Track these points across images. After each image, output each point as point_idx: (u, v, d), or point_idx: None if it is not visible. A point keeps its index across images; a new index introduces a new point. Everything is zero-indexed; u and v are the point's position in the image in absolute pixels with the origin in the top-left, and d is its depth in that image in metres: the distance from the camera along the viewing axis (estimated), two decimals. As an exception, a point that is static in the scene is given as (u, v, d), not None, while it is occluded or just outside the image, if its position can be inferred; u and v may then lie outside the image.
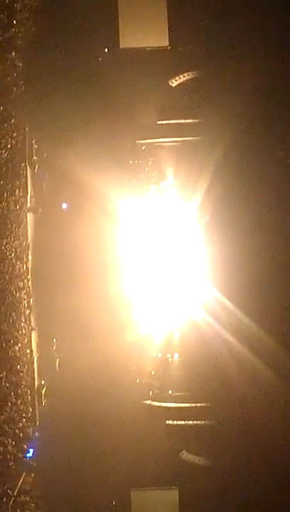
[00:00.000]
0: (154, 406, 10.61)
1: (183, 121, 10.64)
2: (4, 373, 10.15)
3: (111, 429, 10.24)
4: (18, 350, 10.37)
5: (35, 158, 10.76)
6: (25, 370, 10.43)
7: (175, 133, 10.69)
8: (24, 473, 10.35)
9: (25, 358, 10.44)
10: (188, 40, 10.64)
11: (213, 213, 10.42)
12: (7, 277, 10.29)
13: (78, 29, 10.66)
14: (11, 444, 10.25)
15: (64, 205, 10.79)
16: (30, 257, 10.59)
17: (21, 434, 10.36)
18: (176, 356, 10.76)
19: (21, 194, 10.60)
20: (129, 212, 10.68)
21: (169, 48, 10.68)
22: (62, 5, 10.69)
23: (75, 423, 10.36)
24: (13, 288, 10.37)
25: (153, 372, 10.75)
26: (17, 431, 10.32)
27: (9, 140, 10.47)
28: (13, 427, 10.26)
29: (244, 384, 10.34)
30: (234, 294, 10.30)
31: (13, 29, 10.53)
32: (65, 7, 10.71)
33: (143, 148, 10.78)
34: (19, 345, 10.40)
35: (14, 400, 10.28)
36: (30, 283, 10.56)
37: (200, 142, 10.54)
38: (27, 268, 10.54)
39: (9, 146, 10.44)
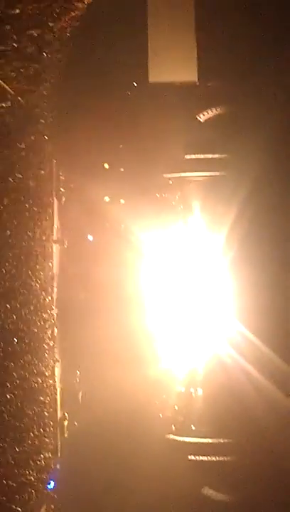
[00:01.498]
0: (177, 441, 10.53)
1: (210, 156, 10.64)
2: (27, 405, 10.17)
3: (133, 463, 10.20)
4: (42, 381, 10.38)
5: (62, 189, 10.78)
6: (48, 402, 10.43)
7: (203, 167, 10.72)
8: (45, 505, 10.29)
9: (48, 390, 10.44)
10: (216, 75, 10.70)
11: (239, 248, 10.41)
12: (32, 308, 10.33)
13: (107, 63, 10.72)
14: (33, 475, 10.23)
15: (90, 238, 10.80)
16: (55, 289, 10.57)
17: (43, 466, 10.34)
18: (200, 391, 10.70)
19: (48, 225, 10.65)
20: (154, 246, 10.67)
21: (198, 83, 10.67)
22: (92, 38, 10.78)
23: (97, 456, 10.33)
24: (37, 319, 10.40)
25: (176, 407, 10.68)
26: (38, 462, 10.31)
27: (37, 171, 10.56)
28: (34, 458, 10.26)
29: (267, 419, 10.26)
30: (260, 328, 10.28)
31: (44, 62, 10.62)
32: (94, 40, 10.79)
33: (171, 182, 10.78)
34: (43, 376, 10.41)
35: (36, 431, 10.29)
36: (54, 314, 10.54)
37: (227, 177, 10.55)
38: (52, 299, 10.57)
39: (37, 177, 10.49)
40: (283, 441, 10.11)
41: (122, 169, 10.77)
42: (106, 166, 10.79)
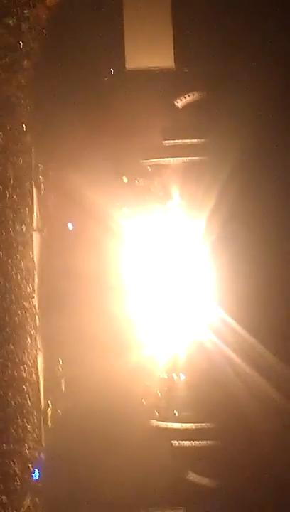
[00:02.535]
0: (160, 426, 10.54)
1: (188, 141, 10.61)
2: (10, 394, 10.21)
3: (117, 450, 10.22)
4: (24, 371, 10.39)
5: (40, 178, 10.74)
6: (31, 391, 10.45)
7: (181, 153, 10.70)
8: (29, 495, 10.29)
9: (31, 379, 10.45)
10: (193, 61, 10.71)
11: (219, 233, 10.42)
12: (13, 298, 10.35)
13: (84, 50, 10.73)
14: (17, 465, 10.23)
15: (70, 226, 10.77)
16: (36, 278, 10.54)
17: (27, 456, 10.33)
18: (182, 377, 10.71)
19: (27, 215, 10.63)
20: (134, 232, 10.67)
21: (175, 68, 10.65)
22: (68, 26, 10.75)
23: (81, 444, 10.32)
24: (18, 309, 10.42)
25: (158, 393, 10.67)
26: (23, 452, 10.30)
27: (15, 160, 10.52)
28: (18, 448, 10.25)
29: (249, 404, 10.30)
30: (240, 314, 10.30)
31: (20, 50, 10.57)
32: (70, 28, 10.76)
33: (149, 168, 10.75)
34: (25, 366, 10.44)
35: (20, 421, 10.30)
36: (36, 304, 10.54)
37: (206, 162, 10.55)
38: (33, 289, 10.57)
39: (15, 166, 10.46)
40: (265, 425, 10.11)
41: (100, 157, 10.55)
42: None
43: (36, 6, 10.64)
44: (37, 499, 10.34)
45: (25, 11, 10.60)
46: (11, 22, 10.57)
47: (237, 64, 10.56)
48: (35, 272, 10.64)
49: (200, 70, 10.73)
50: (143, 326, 10.77)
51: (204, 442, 10.39)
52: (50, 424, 10.59)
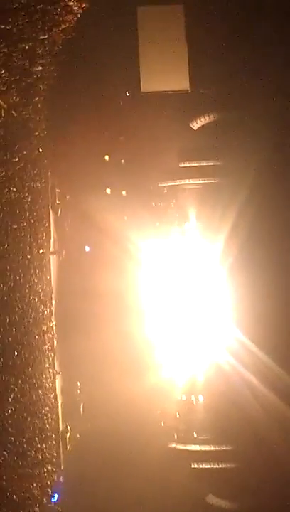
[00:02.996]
0: (179, 449, 10.52)
1: (204, 163, 10.64)
2: (29, 418, 10.18)
3: (136, 473, 10.20)
4: (42, 394, 10.38)
5: (57, 202, 10.79)
6: (49, 415, 10.43)
7: (198, 175, 10.72)
8: (49, 518, 10.29)
9: (49, 402, 10.44)
10: (209, 83, 10.72)
11: (237, 255, 10.41)
12: (31, 321, 10.35)
13: (99, 74, 10.75)
14: (36, 488, 10.22)
15: (87, 248, 10.81)
16: (53, 301, 10.57)
17: (46, 479, 10.32)
18: (201, 399, 10.70)
19: (44, 238, 10.68)
20: (151, 254, 10.69)
21: (190, 90, 10.70)
22: (84, 49, 10.79)
23: (100, 467, 10.31)
24: (36, 332, 10.43)
25: (177, 415, 10.67)
26: (41, 475, 10.30)
27: (32, 184, 10.58)
28: (37, 472, 10.25)
29: (268, 426, 10.26)
30: (259, 337, 10.27)
31: (36, 74, 10.63)
32: (86, 51, 10.80)
33: (166, 190, 10.80)
34: (43, 389, 10.42)
35: (38, 444, 10.28)
36: (53, 326, 10.56)
37: (223, 184, 10.57)
38: (50, 312, 10.58)
39: (32, 190, 10.51)
40: (284, 447, 10.09)
41: (117, 180, 10.59)
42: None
43: (52, 30, 10.65)
44: (56, 522, 10.26)
45: (40, 36, 10.59)
46: (26, 47, 10.57)
47: (253, 85, 10.53)
48: (53, 295, 10.61)
49: (215, 92, 10.75)
50: (161, 348, 10.76)
51: (223, 465, 10.33)
52: (68, 447, 10.53)
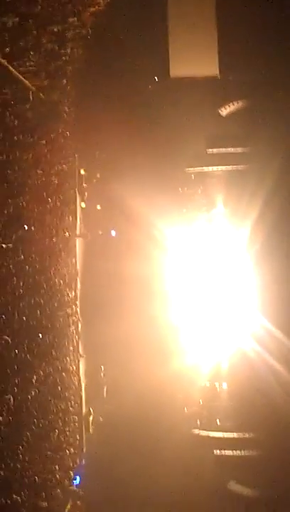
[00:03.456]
0: (202, 435, 10.50)
1: (232, 149, 10.58)
2: (52, 400, 10.17)
3: (159, 457, 10.18)
4: (66, 376, 10.39)
5: (84, 185, 10.76)
6: (72, 397, 10.45)
7: (225, 161, 10.67)
8: (71, 501, 10.28)
9: (73, 385, 10.46)
10: (237, 69, 10.65)
11: (263, 242, 10.36)
12: (56, 304, 10.33)
13: (128, 58, 10.69)
14: (58, 471, 10.22)
15: (113, 232, 10.78)
16: (78, 284, 10.55)
17: (68, 461, 10.33)
18: (224, 385, 10.67)
19: (70, 221, 10.65)
20: (178, 240, 10.66)
21: (219, 77, 10.64)
22: (113, 34, 10.76)
23: (122, 451, 10.30)
24: (61, 315, 10.40)
25: (201, 401, 10.65)
26: (64, 458, 10.30)
27: (59, 167, 10.55)
28: (60, 454, 10.26)
29: (292, 414, 10.22)
30: (284, 323, 10.22)
31: (64, 57, 10.60)
32: (115, 36, 10.76)
33: (193, 176, 10.75)
34: (67, 372, 10.42)
35: (62, 427, 10.29)
36: (78, 310, 10.54)
37: (249, 170, 10.52)
38: (75, 295, 10.58)
39: (59, 173, 10.48)
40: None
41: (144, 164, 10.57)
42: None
43: (81, 13, 10.61)
44: (78, 505, 10.25)
45: (69, 19, 10.56)
46: (56, 29, 10.54)
47: (281, 72, 10.47)
48: (78, 279, 10.58)
49: (244, 79, 10.71)
50: (186, 334, 10.73)
51: (246, 452, 10.28)
52: (91, 431, 10.53)
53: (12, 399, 9.55)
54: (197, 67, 10.73)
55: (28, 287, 9.85)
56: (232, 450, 10.42)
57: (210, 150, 10.72)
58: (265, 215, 10.32)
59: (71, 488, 10.36)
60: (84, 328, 10.60)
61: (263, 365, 10.32)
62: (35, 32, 10.34)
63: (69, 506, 10.28)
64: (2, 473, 9.47)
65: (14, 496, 9.43)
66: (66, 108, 10.64)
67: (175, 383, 10.49)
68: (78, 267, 10.59)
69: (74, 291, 10.51)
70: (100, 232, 10.80)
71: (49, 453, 10.08)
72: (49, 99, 10.53)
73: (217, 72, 10.70)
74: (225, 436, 10.51)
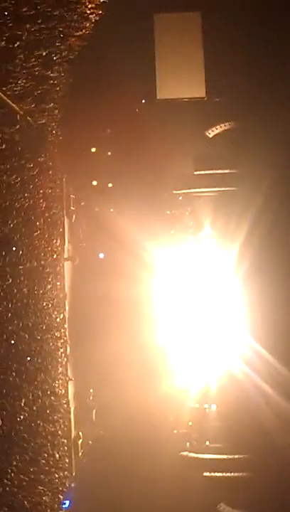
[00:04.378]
0: (192, 457, 10.47)
1: (219, 171, 10.63)
2: (41, 424, 10.15)
3: (148, 481, 10.13)
4: (55, 400, 10.37)
5: (72, 208, 10.79)
6: (61, 421, 10.41)
7: (212, 183, 10.71)
8: (60, 525, 10.26)
9: (62, 409, 10.42)
10: (224, 91, 10.70)
11: (251, 264, 10.38)
12: (44, 327, 10.33)
13: (116, 81, 10.74)
14: (48, 494, 10.19)
15: (101, 255, 10.80)
16: (67, 307, 10.56)
17: (57, 485, 10.29)
18: (214, 407, 10.66)
19: (58, 244, 10.66)
20: (166, 262, 10.67)
21: (206, 99, 10.68)
22: (99, 57, 10.78)
23: (111, 474, 10.26)
24: (49, 338, 10.41)
25: (190, 423, 10.64)
26: (53, 482, 10.27)
27: (47, 190, 10.58)
28: (49, 478, 10.23)
29: (281, 435, 10.21)
30: (273, 345, 10.24)
31: (52, 81, 10.65)
32: (102, 59, 10.80)
33: (180, 198, 10.80)
34: (56, 395, 10.40)
35: (51, 450, 10.27)
36: (67, 333, 10.54)
37: (237, 192, 10.54)
38: (64, 318, 10.56)
39: (47, 197, 10.52)
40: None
41: (132, 187, 10.59)
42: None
43: (68, 37, 10.66)
44: (67, 529, 10.23)
45: (57, 43, 10.61)
46: (42, 53, 10.59)
47: (268, 93, 10.53)
48: (66, 301, 10.59)
49: (231, 100, 10.74)
50: (175, 356, 10.72)
51: (236, 473, 10.26)
52: (80, 454, 10.51)
53: (0, 422, 9.53)
54: (185, 89, 10.77)
55: (16, 310, 9.86)
56: (222, 472, 10.36)
57: (198, 171, 10.69)
58: (253, 236, 10.32)
59: (61, 511, 10.30)
60: (73, 351, 10.56)
61: (252, 386, 10.30)
62: (22, 56, 10.37)
63: (58, 530, 10.21)
64: (-9, 497, 9.45)
65: (3, 521, 9.39)
66: (53, 131, 10.68)
67: (164, 405, 10.46)
68: (66, 289, 10.55)
69: (63, 314, 10.52)
70: (88, 255, 10.71)
71: (38, 477, 10.03)
72: (36, 122, 10.57)
73: (204, 93, 10.70)
74: (215, 457, 10.43)
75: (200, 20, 10.67)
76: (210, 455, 10.46)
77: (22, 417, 9.86)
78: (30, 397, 10.02)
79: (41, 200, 10.40)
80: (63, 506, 10.28)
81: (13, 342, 9.78)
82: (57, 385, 10.34)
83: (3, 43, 9.96)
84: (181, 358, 10.68)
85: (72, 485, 10.36)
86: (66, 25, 10.30)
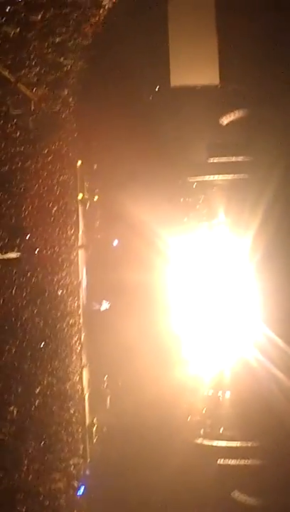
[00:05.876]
0: (205, 444, 10.49)
1: (234, 158, 10.60)
2: (55, 411, 10.20)
3: (162, 468, 10.16)
4: (69, 387, 10.41)
5: (86, 195, 10.78)
6: (76, 408, 10.45)
7: (226, 170, 10.68)
8: (75, 510, 10.29)
9: (76, 395, 10.46)
10: (238, 78, 10.64)
11: (265, 251, 10.36)
12: (58, 314, 10.38)
13: (129, 67, 10.72)
14: (62, 481, 10.24)
15: (115, 242, 10.80)
16: (81, 294, 10.57)
17: (72, 472, 10.34)
18: (228, 394, 10.67)
19: (72, 231, 10.65)
20: (180, 249, 10.66)
21: (220, 86, 10.65)
22: (113, 43, 10.76)
23: (126, 461, 10.30)
24: (64, 325, 10.44)
25: (204, 410, 10.65)
26: (68, 468, 10.32)
27: (61, 178, 10.58)
28: (64, 464, 10.28)
29: (295, 422, 10.22)
30: (286, 332, 10.23)
31: (65, 68, 10.64)
32: (116, 45, 10.77)
33: (194, 185, 10.77)
34: (70, 382, 10.43)
35: (65, 437, 10.31)
36: (81, 320, 10.55)
37: (251, 180, 10.51)
38: (78, 305, 10.57)
39: (61, 184, 10.50)
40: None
41: (146, 174, 10.57)
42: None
43: (82, 24, 10.65)
44: (82, 515, 10.28)
45: (70, 30, 10.60)
46: (56, 40, 10.58)
47: (282, 80, 10.48)
48: (81, 288, 10.61)
49: (245, 87, 10.68)
50: (189, 343, 10.73)
51: (250, 461, 10.29)
52: (94, 441, 10.54)
53: (15, 410, 9.56)
54: (198, 76, 10.73)
55: (30, 298, 9.91)
56: (236, 459, 10.38)
57: (212, 159, 10.67)
58: (266, 224, 10.30)
59: (75, 498, 10.34)
60: (87, 338, 10.57)
61: (265, 373, 10.30)
62: (36, 43, 10.37)
63: (73, 516, 10.26)
64: (6, 483, 9.50)
65: (18, 507, 9.45)
66: (67, 118, 10.66)
67: (178, 392, 10.47)
68: (80, 276, 10.54)
69: (77, 302, 10.52)
70: (102, 243, 10.71)
71: (53, 463, 10.09)
72: (50, 109, 10.58)
73: (218, 80, 10.66)
74: (229, 445, 10.45)
75: (214, 5, 10.59)
76: (224, 442, 10.41)
77: (37, 403, 9.91)
78: (45, 384, 10.07)
79: (55, 187, 10.42)
80: (78, 492, 10.30)
81: (27, 329, 9.82)
82: (71, 372, 10.39)
83: (17, 30, 9.94)
84: (195, 345, 10.65)
85: (87, 471, 10.36)
86: (80, 12, 10.31)
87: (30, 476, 9.98)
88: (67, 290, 10.45)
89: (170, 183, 10.76)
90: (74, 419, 10.37)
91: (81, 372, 10.50)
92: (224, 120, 10.77)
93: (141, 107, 10.77)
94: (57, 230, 10.37)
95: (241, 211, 10.59)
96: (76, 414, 10.41)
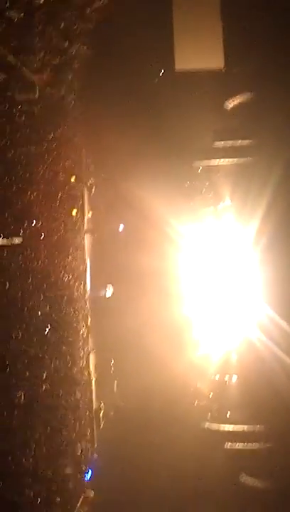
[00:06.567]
0: (212, 428, 10.52)
1: (239, 142, 10.57)
2: (63, 395, 10.18)
3: (169, 451, 10.18)
4: (77, 372, 10.40)
5: (92, 180, 10.76)
6: (83, 392, 10.45)
7: (231, 154, 10.64)
8: (83, 495, 10.32)
9: (83, 380, 10.47)
10: (243, 61, 10.59)
11: (270, 235, 10.35)
12: (65, 299, 10.35)
13: (133, 51, 10.67)
14: (70, 465, 10.26)
15: (121, 227, 10.79)
16: (88, 279, 10.57)
17: (80, 456, 10.36)
18: (234, 378, 10.68)
19: (78, 216, 10.63)
20: (185, 234, 10.65)
21: (224, 69, 10.61)
22: (118, 28, 10.72)
23: (133, 445, 10.32)
24: (71, 310, 10.41)
25: (211, 394, 10.66)
26: (75, 452, 10.34)
27: (67, 163, 10.54)
28: (71, 449, 10.29)
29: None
30: (291, 315, 10.24)
31: (70, 52, 10.59)
32: (120, 30, 10.73)
33: (200, 170, 10.74)
34: (77, 366, 10.42)
35: (73, 421, 10.31)
36: (88, 305, 10.55)
37: (256, 163, 10.47)
38: (85, 289, 10.56)
39: (66, 168, 10.48)
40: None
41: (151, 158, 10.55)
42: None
43: (86, 8, 10.61)
44: (90, 499, 10.29)
45: (75, 14, 10.55)
46: (61, 25, 10.54)
47: (287, 64, 10.43)
48: (87, 273, 10.60)
49: (249, 71, 10.62)
50: (195, 328, 10.74)
51: (257, 444, 10.29)
52: (102, 425, 10.56)
53: (23, 394, 9.57)
54: (203, 60, 10.69)
55: (37, 283, 9.87)
56: (243, 443, 10.39)
57: (217, 143, 10.64)
58: (272, 207, 10.28)
59: (83, 482, 10.37)
60: (94, 323, 10.58)
61: (272, 357, 10.30)
62: (40, 28, 10.32)
63: (81, 500, 10.27)
64: (14, 468, 9.52)
65: (26, 491, 9.47)
66: (72, 103, 10.63)
67: (185, 377, 10.48)
68: (87, 261, 10.54)
69: (84, 286, 10.51)
70: (108, 227, 10.70)
71: (60, 447, 10.10)
72: (55, 94, 10.54)
73: (223, 64, 10.62)
74: (236, 429, 10.46)
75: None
76: (231, 426, 10.42)
77: (44, 388, 9.89)
78: (52, 369, 10.04)
79: (61, 173, 10.39)
80: (85, 476, 10.33)
81: (34, 314, 9.80)
82: (78, 357, 10.37)
83: (21, 14, 9.90)
84: (201, 329, 10.65)
85: (94, 455, 10.39)
86: (84, -4, 10.22)
87: (38, 460, 9.97)
88: (73, 275, 10.43)
89: (176, 168, 10.72)
90: (81, 404, 10.38)
91: (88, 357, 10.50)
92: (229, 104, 10.71)
93: (146, 92, 10.72)
94: (63, 214, 10.35)
95: (246, 195, 10.55)
96: (83, 399, 10.42)
